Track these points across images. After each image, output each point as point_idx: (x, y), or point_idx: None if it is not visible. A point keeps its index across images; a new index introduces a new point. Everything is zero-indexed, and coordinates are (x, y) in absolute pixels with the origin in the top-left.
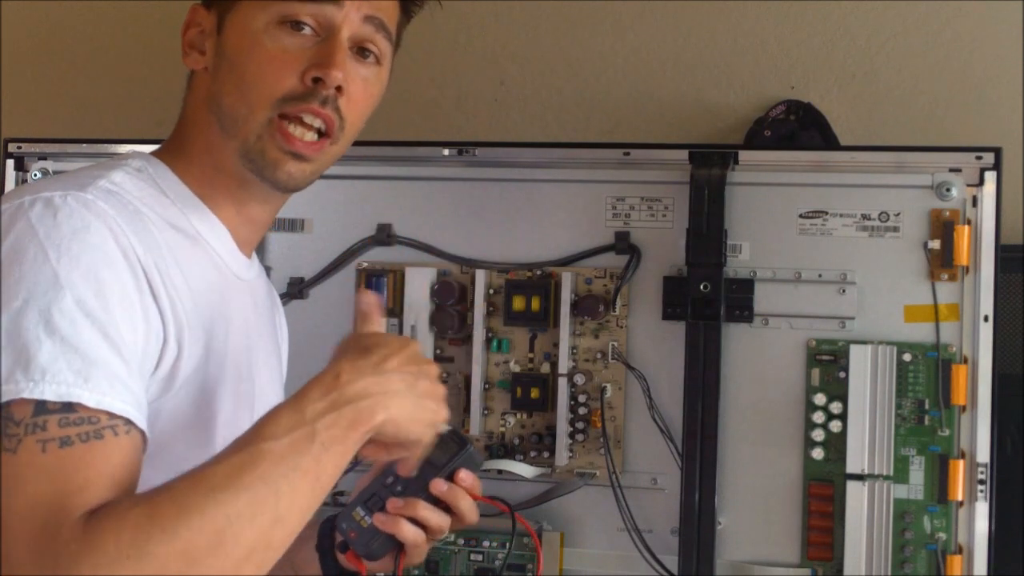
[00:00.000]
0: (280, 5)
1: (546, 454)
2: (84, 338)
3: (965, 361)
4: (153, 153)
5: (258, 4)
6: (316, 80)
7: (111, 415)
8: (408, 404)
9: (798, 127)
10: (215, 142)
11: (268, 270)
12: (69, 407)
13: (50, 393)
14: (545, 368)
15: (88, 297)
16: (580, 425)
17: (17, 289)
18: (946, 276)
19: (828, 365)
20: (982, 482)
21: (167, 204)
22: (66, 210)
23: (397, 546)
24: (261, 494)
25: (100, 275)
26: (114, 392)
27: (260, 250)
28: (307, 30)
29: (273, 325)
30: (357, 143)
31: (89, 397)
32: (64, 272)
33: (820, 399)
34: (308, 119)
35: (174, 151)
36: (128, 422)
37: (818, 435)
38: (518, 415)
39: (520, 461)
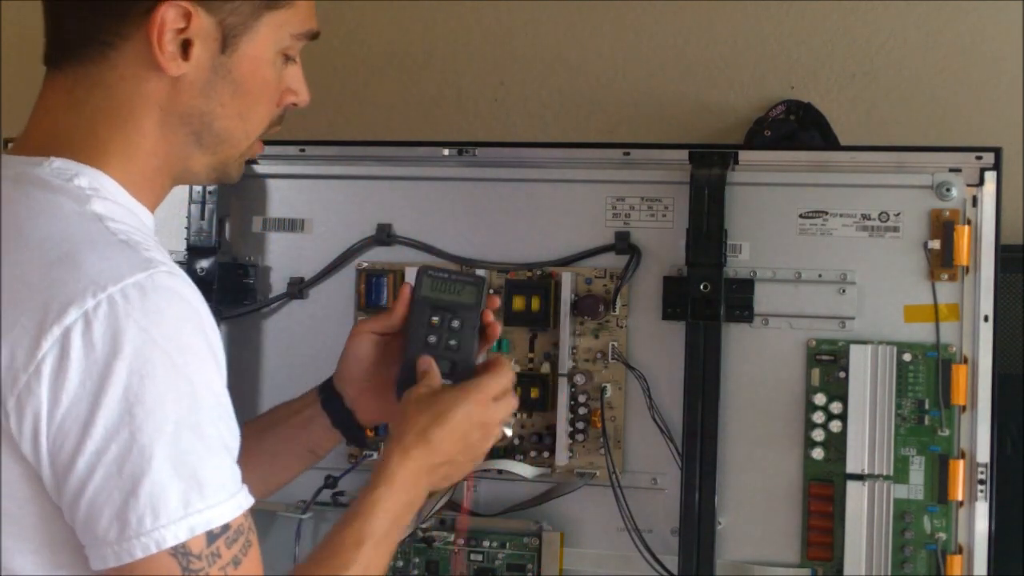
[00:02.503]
0: (290, 41)
1: (546, 454)
2: (227, 439)
3: (965, 361)
4: (80, 161)
5: (272, 34)
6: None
7: (245, 514)
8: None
9: (798, 127)
10: (178, 151)
11: (268, 270)
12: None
13: (229, 512)
14: (545, 368)
15: (218, 391)
16: (580, 425)
17: (163, 411)
18: (946, 276)
19: (828, 365)
20: (982, 482)
21: (136, 219)
22: (158, 296)
23: None
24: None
25: (218, 359)
26: (243, 483)
27: (260, 250)
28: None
29: None
30: (357, 143)
31: (246, 500)
32: (197, 376)
33: (820, 399)
34: None
35: (108, 156)
36: (248, 512)
37: (818, 435)
38: (518, 415)
39: (520, 461)
